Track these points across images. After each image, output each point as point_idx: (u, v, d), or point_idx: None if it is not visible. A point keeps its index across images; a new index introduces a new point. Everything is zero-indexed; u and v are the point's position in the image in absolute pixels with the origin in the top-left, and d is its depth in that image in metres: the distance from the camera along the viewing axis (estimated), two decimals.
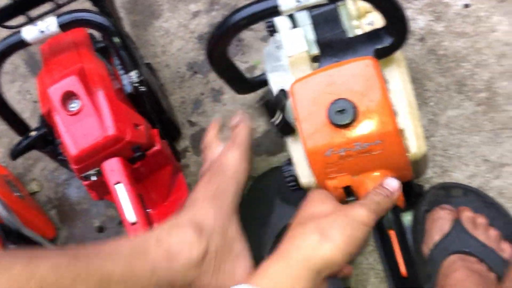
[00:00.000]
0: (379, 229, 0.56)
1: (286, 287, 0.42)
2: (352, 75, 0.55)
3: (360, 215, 0.47)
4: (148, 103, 0.79)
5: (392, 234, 0.54)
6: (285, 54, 0.63)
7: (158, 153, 0.76)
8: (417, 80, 0.77)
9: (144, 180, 0.80)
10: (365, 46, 0.58)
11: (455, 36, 0.77)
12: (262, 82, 0.76)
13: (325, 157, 0.55)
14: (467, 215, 0.62)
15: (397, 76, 0.59)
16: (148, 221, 0.71)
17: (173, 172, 0.82)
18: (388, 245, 0.54)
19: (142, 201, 0.71)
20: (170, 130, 0.86)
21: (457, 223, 0.62)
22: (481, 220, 0.62)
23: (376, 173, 0.55)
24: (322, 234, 0.45)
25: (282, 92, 0.63)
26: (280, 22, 0.66)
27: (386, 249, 0.55)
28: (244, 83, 0.73)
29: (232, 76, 0.70)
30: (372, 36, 0.58)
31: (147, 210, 0.80)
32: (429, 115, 0.74)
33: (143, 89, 0.77)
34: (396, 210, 0.55)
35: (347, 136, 0.53)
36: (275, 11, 0.55)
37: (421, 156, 0.58)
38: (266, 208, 0.73)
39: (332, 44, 0.60)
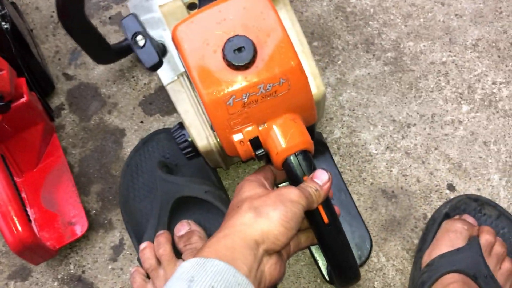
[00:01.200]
0: (291, 180, 0.50)
1: (228, 257, 0.41)
2: (244, 8, 0.47)
3: (292, 193, 0.46)
4: (14, 44, 0.64)
5: (306, 179, 0.49)
6: (156, 4, 0.55)
7: (26, 106, 0.63)
8: (325, 37, 0.73)
9: (8, 140, 0.65)
10: None
11: None
12: (127, 48, 0.65)
13: (228, 107, 0.47)
14: (487, 238, 0.56)
15: (285, 16, 0.54)
16: (13, 189, 0.58)
17: (45, 132, 0.68)
18: None
19: (4, 162, 0.57)
20: (41, 82, 0.71)
21: (474, 242, 0.55)
22: (500, 249, 0.56)
23: (281, 119, 0.49)
24: (256, 211, 0.45)
25: (162, 46, 0.54)
26: None
27: None
28: (106, 50, 0.61)
29: (90, 41, 0.57)
30: None
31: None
32: (337, 74, 0.71)
33: (7, 26, 0.62)
34: (304, 156, 0.50)
35: (249, 79, 0.46)
36: None
37: (321, 96, 0.54)
38: (151, 175, 0.64)
39: None
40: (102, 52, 0.60)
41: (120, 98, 0.73)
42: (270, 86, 0.46)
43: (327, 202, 0.49)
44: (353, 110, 0.69)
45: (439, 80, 0.69)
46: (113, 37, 0.77)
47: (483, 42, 0.70)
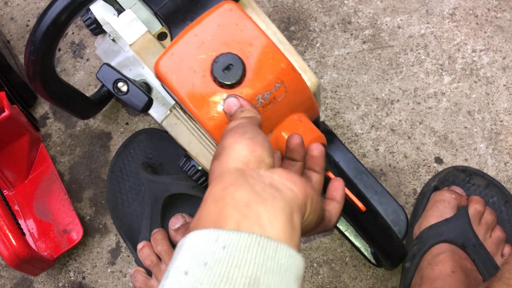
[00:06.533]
0: None
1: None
2: (219, 25, 0.46)
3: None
4: None
5: (330, 175, 0.48)
6: (126, 44, 0.54)
7: (9, 119, 0.63)
8: (301, 21, 0.72)
9: None
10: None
11: None
12: (108, 94, 0.63)
13: None
14: (476, 207, 0.56)
15: (257, 18, 0.53)
16: (4, 205, 0.58)
17: (31, 143, 0.69)
18: None
19: None
20: (23, 94, 0.71)
21: (462, 211, 0.55)
22: (490, 217, 0.56)
23: (287, 123, 0.49)
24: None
25: (145, 85, 0.54)
26: (103, 12, 0.55)
27: None
28: (87, 104, 0.58)
29: (71, 101, 0.54)
30: None
31: (3, 192, 0.67)
32: (316, 57, 0.70)
33: None
34: None
35: (245, 92, 0.45)
36: None
37: (316, 87, 0.53)
38: (137, 178, 0.64)
39: (176, 9, 0.51)
40: (85, 107, 0.58)
41: None
42: (268, 94, 0.46)
43: (358, 191, 0.49)
44: (335, 91, 0.68)
45: (419, 53, 0.68)
46: (91, 41, 0.76)
47: (460, 10, 0.69)
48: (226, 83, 0.44)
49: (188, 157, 0.55)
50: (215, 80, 0.45)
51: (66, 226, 0.66)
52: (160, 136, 0.66)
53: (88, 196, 0.69)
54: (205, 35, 0.46)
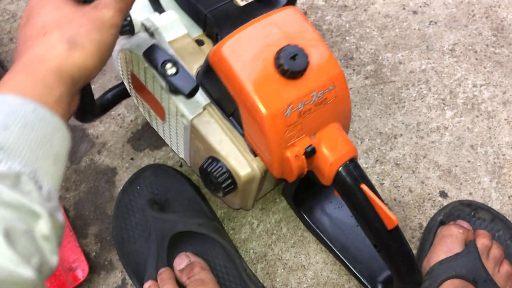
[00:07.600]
0: (347, 192, 0.49)
1: (36, 94, 0.35)
2: (285, 22, 0.48)
3: (107, 17, 0.41)
4: None
5: (365, 187, 0.48)
6: (165, 41, 0.55)
7: None
8: None
9: None
10: (262, 12, 0.52)
11: (337, 9, 0.75)
12: (115, 98, 0.64)
13: (286, 118, 0.47)
14: (483, 242, 0.56)
15: None
16: None
17: None
18: (364, 202, 0.48)
19: None
20: None
21: (471, 246, 0.56)
22: (497, 252, 0.57)
23: (329, 129, 0.49)
24: (70, 43, 0.39)
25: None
26: (144, 11, 0.57)
27: (362, 208, 0.49)
28: (92, 107, 0.59)
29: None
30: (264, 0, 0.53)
31: None
32: None
33: None
34: (355, 164, 0.50)
35: (304, 87, 0.47)
36: None
37: None
38: (143, 214, 0.64)
39: (227, 14, 0.53)
40: (89, 109, 0.59)
41: (109, 137, 0.73)
42: (321, 94, 0.47)
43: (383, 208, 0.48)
44: None
45: (421, 88, 0.70)
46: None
47: (459, 46, 0.71)
48: (292, 69, 0.45)
49: (214, 159, 0.53)
50: (281, 66, 0.45)
51: (71, 263, 0.65)
52: (165, 172, 0.66)
53: (93, 232, 0.69)
54: (271, 29, 0.48)
